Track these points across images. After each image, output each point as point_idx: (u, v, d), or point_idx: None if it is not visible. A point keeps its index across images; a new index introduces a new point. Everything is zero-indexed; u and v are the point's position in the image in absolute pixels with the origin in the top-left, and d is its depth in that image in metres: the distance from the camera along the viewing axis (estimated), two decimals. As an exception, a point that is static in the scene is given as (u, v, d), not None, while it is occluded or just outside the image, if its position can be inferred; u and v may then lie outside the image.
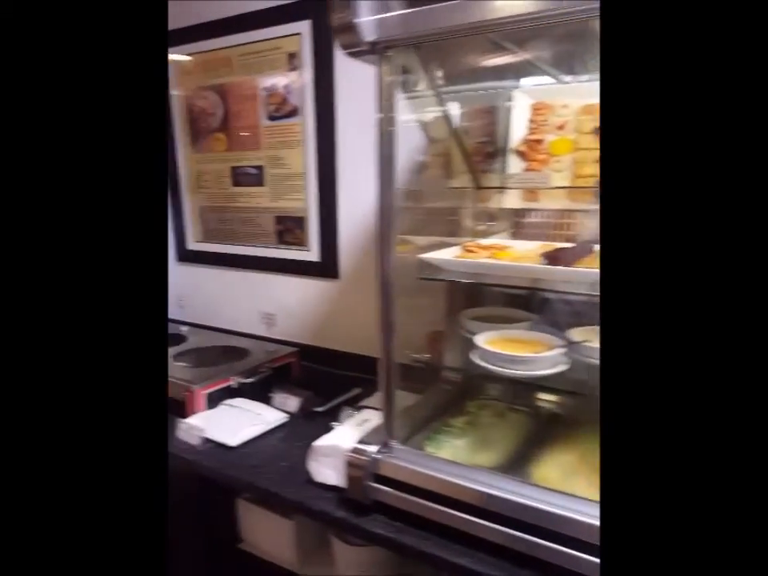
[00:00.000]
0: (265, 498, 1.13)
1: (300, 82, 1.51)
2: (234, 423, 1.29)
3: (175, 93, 1.78)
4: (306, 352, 1.65)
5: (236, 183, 1.73)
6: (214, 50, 1.64)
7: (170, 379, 1.38)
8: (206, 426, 1.25)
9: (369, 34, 0.78)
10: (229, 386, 1.42)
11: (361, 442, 0.98)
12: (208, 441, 1.24)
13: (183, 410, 1.35)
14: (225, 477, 1.15)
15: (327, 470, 1.05)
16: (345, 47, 0.79)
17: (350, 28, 0.76)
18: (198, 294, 1.97)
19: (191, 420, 1.28)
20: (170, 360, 1.53)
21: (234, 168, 1.72)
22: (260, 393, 1.43)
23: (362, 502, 0.97)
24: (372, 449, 0.96)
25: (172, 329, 1.84)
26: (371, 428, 1.06)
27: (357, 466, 0.96)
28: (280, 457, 1.19)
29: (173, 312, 2.01)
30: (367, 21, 0.77)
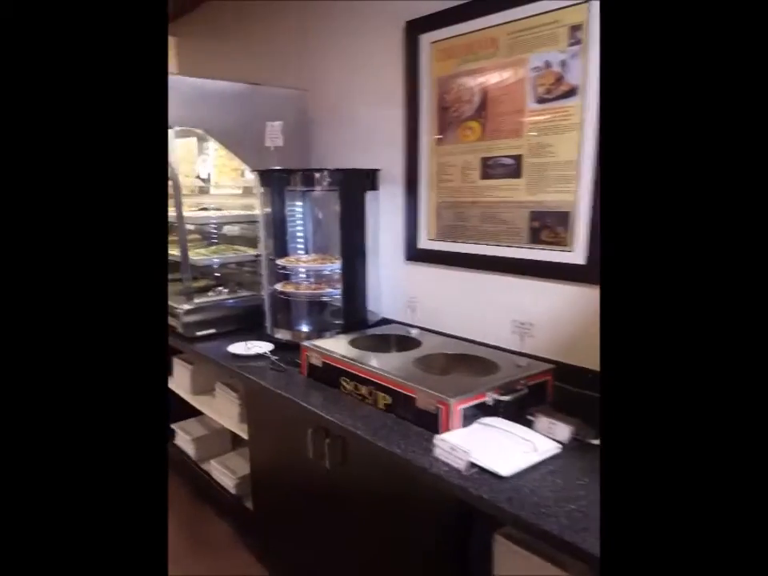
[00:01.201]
0: (556, 546, 0.93)
1: (583, 57, 1.30)
2: (499, 447, 1.12)
3: (426, 84, 1.68)
4: (557, 370, 1.43)
5: (485, 176, 1.57)
6: (476, 30, 1.50)
7: (419, 388, 1.27)
8: (468, 448, 1.10)
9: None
10: (484, 402, 1.26)
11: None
12: (472, 465, 1.08)
13: (436, 424, 1.22)
14: (499, 511, 0.98)
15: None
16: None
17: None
18: (429, 296, 1.85)
19: (451, 438, 1.14)
20: (410, 366, 1.42)
21: (484, 159, 1.56)
22: (515, 413, 1.25)
23: None
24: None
25: (401, 331, 1.75)
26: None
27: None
28: (563, 496, 0.99)
29: (402, 314, 1.92)
30: None
